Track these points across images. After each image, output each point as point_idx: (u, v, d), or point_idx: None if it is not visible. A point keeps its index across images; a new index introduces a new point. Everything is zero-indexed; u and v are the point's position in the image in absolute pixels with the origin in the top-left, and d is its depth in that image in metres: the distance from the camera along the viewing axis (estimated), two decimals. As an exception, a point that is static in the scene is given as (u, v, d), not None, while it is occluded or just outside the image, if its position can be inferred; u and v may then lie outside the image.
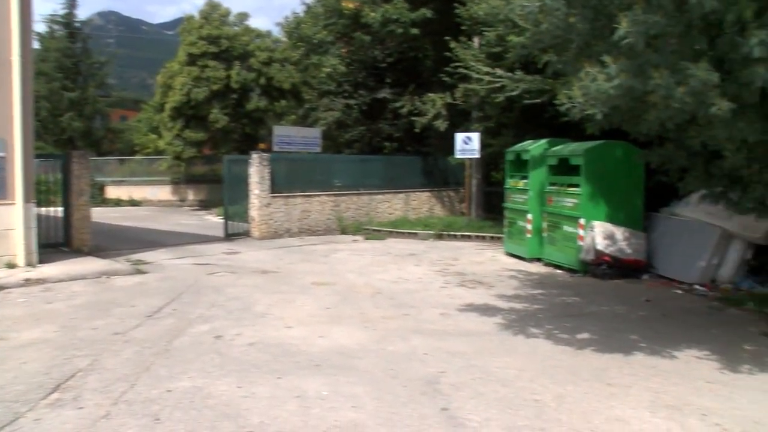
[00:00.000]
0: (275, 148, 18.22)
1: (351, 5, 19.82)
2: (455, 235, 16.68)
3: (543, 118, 13.43)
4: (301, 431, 4.81)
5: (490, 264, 12.83)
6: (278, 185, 16.80)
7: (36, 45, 29.63)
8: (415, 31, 18.68)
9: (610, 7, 6.10)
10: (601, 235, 11.24)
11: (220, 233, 16.69)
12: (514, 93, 13.18)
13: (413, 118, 18.55)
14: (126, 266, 11.73)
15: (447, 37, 16.05)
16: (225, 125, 24.95)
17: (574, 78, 6.41)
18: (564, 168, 12.08)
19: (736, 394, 5.68)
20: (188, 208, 28.27)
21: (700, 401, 5.47)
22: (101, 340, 7.14)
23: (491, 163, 18.99)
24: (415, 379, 5.94)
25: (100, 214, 20.52)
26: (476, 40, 16.04)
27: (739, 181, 7.34)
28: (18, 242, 11.10)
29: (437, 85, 18.21)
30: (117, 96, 40.59)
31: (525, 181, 13.36)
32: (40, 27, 40.29)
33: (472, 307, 8.94)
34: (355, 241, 16.56)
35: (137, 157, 32.81)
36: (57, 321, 7.96)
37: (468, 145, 16.69)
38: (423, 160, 20.64)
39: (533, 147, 13.11)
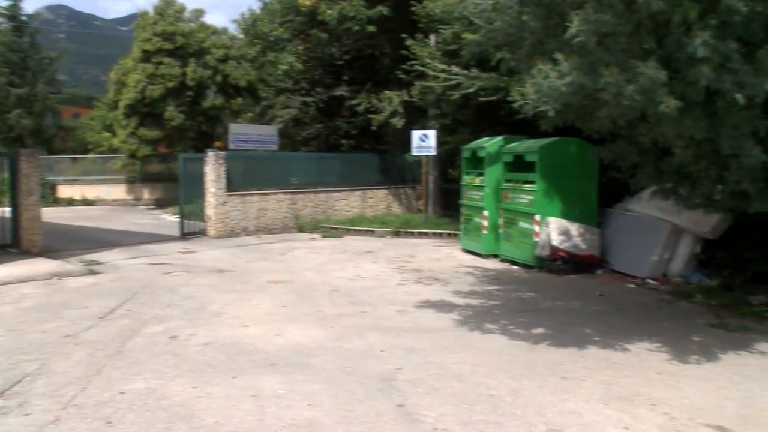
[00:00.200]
0: (231, 146, 18.06)
1: (308, 2, 19.75)
2: (412, 233, 16.74)
3: (499, 116, 13.56)
4: (257, 430, 4.79)
5: (446, 261, 12.91)
6: (235, 183, 16.65)
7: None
8: (371, 28, 18.67)
9: (563, 6, 6.18)
10: (556, 231, 11.39)
11: (176, 232, 16.48)
12: (469, 90, 13.28)
13: (370, 116, 18.55)
14: (78, 267, 11.50)
15: (404, 35, 16.09)
16: (181, 123, 24.64)
17: (527, 75, 6.49)
18: (519, 165, 12.21)
19: (683, 383, 5.83)
20: (144, 207, 27.82)
21: (650, 392, 5.60)
22: (51, 343, 6.98)
23: (448, 160, 19.09)
24: (371, 376, 5.95)
25: (51, 214, 20.09)
26: (432, 38, 16.12)
27: (688, 177, 7.51)
28: (-37, 243, 10.80)
29: (394, 82, 18.24)
30: (68, 93, 39.52)
31: (481, 178, 13.46)
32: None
33: (428, 304, 8.99)
34: (312, 239, 16.50)
35: (91, 155, 32.15)
36: (3, 324, 7.74)
37: (425, 142, 16.76)
38: (380, 157, 20.66)
39: (489, 144, 13.22)
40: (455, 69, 13.77)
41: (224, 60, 25.14)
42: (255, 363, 6.34)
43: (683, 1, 5.52)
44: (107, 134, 31.21)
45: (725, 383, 5.86)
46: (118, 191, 29.12)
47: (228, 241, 15.76)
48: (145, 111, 24.72)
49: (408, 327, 7.79)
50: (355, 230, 17.35)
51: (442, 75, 14.07)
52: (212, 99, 25.37)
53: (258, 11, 25.03)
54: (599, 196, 11.97)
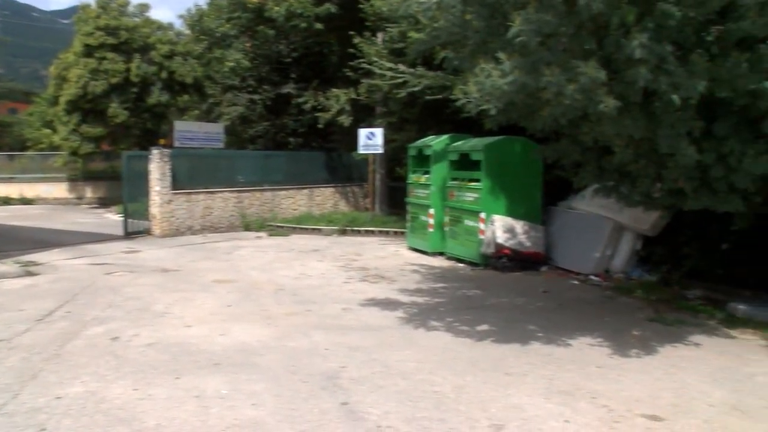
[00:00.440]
0: (177, 144, 17.79)
1: (255, -1, 19.56)
2: (359, 231, 16.75)
3: (445, 114, 13.64)
4: (200, 431, 4.73)
5: (393, 259, 12.95)
6: (180, 182, 16.40)
7: None
8: (319, 26, 18.59)
9: (506, 6, 6.25)
10: (501, 228, 11.52)
11: (120, 232, 16.14)
12: (416, 89, 13.33)
13: (317, 114, 18.45)
14: (14, 268, 11.11)
15: (351, 33, 16.06)
16: (125, 120, 24.10)
17: (470, 74, 6.54)
18: (465, 163, 12.32)
19: (623, 376, 5.97)
20: (86, 206, 27.14)
21: (591, 385, 5.72)
22: (-17, 347, 6.75)
23: (395, 158, 19.14)
24: (315, 374, 5.93)
25: (-14, 214, 19.45)
26: (380, 36, 16.12)
27: (628, 175, 7.69)
28: None
29: (342, 80, 18.21)
30: (5, 87, 38.33)
31: (427, 176, 13.54)
32: None
33: (374, 302, 9.00)
34: (258, 237, 16.37)
35: (29, 152, 31.20)
36: (-66, 328, 7.45)
37: (371, 140, 16.76)
38: (327, 155, 20.62)
39: (435, 142, 13.30)
40: (402, 67, 13.80)
41: (170, 56, 24.68)
42: (198, 363, 6.25)
43: (622, 4, 5.64)
44: (47, 131, 30.25)
45: (661, 375, 6.03)
46: (59, 190, 28.31)
47: (173, 240, 15.52)
48: (88, 107, 24.10)
49: (353, 325, 7.79)
50: (302, 229, 17.27)
51: (389, 73, 14.09)
52: (158, 96, 24.85)
53: (204, 7, 24.75)
54: (544, 194, 12.15)
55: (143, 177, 16.11)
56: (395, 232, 16.12)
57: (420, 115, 15.87)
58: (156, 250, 13.85)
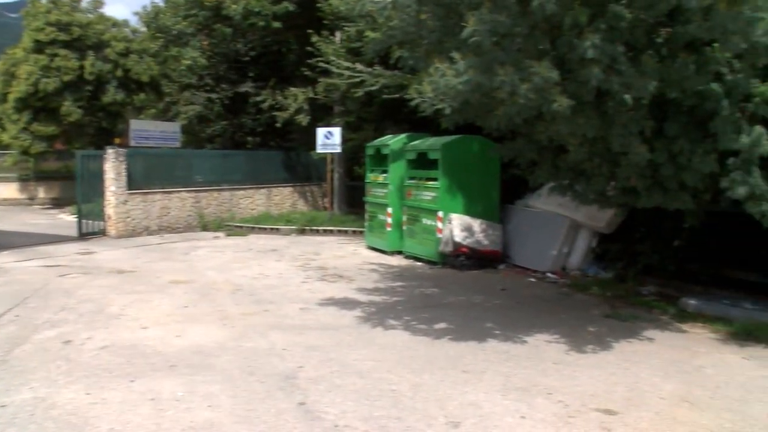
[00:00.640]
0: (133, 144, 17.53)
1: (212, -4, 19.33)
2: (318, 230, 16.70)
3: (403, 113, 13.68)
4: (153, 435, 4.67)
5: (351, 258, 12.94)
6: (136, 182, 16.14)
7: None
8: (277, 24, 18.44)
9: (461, 6, 6.29)
10: (458, 227, 11.59)
11: (74, 233, 15.81)
12: (373, 88, 13.35)
13: (275, 113, 18.35)
14: (-36, 270, 10.87)
15: (309, 31, 16.00)
16: (79, 119, 23.56)
17: (425, 74, 6.57)
18: (423, 162, 12.36)
19: (578, 372, 6.06)
20: (39, 206, 26.52)
21: (547, 381, 5.79)
22: (-74, 354, 6.52)
23: (353, 157, 19.14)
24: (272, 374, 5.90)
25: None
26: (338, 35, 16.10)
27: (583, 174, 7.80)
28: None
29: (300, 79, 18.12)
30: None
31: (385, 175, 13.57)
32: None
33: (332, 301, 8.99)
34: (216, 237, 16.22)
35: (-24, 152, 30.37)
36: None
37: (330, 139, 16.71)
38: (285, 155, 20.49)
39: (393, 141, 13.33)
40: (359, 66, 13.81)
41: (125, 54, 24.21)
42: (154, 366, 6.17)
43: (574, 5, 5.73)
44: (-5, 129, 29.53)
45: (615, 369, 6.14)
46: (9, 190, 27.58)
47: (129, 241, 15.27)
48: (39, 105, 23.50)
49: (311, 325, 7.77)
50: (260, 228, 17.17)
51: (347, 72, 14.08)
52: (113, 94, 24.35)
53: (161, 4, 24.38)
54: (501, 193, 12.26)
55: (98, 177, 15.82)
56: (354, 232, 16.11)
57: (377, 115, 15.91)
58: (111, 252, 13.62)
